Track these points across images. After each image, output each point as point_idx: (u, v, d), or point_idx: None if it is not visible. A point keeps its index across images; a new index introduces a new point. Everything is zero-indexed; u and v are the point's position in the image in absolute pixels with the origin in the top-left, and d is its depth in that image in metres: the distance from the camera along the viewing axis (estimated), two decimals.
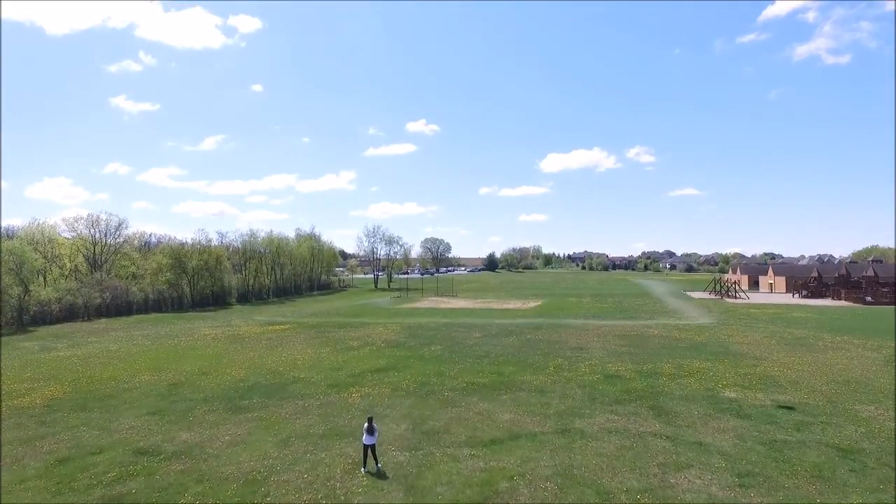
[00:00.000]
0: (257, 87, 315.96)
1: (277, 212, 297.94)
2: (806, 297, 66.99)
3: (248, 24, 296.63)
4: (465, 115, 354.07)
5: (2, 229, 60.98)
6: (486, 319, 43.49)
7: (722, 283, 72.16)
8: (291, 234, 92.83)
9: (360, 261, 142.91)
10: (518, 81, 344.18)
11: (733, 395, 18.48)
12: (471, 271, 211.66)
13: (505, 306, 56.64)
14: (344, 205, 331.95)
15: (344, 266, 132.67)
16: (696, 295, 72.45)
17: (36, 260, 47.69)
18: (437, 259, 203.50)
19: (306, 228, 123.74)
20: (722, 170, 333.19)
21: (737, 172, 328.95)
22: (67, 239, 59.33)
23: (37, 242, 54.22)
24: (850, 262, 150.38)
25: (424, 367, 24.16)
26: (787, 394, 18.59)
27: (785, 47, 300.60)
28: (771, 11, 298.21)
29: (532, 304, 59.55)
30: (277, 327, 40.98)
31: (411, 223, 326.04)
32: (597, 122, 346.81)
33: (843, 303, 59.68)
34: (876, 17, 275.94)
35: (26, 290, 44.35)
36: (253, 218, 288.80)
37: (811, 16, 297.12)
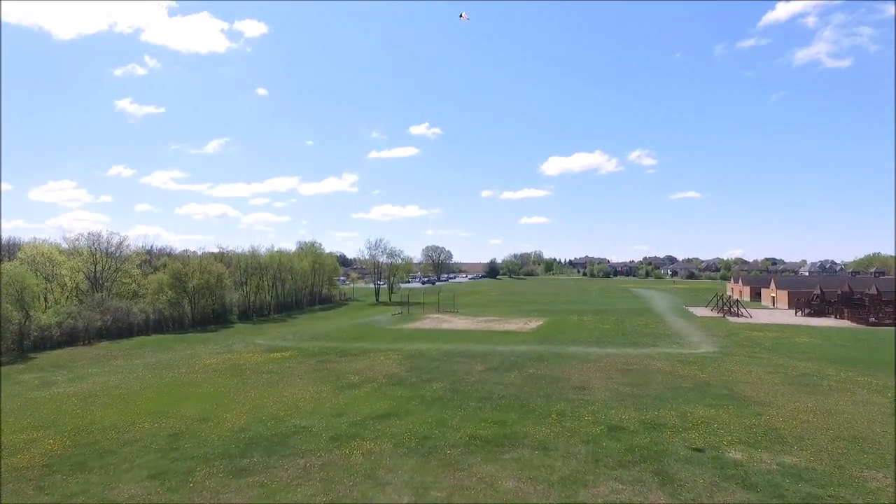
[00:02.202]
0: (262, 91, 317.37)
1: (279, 214, 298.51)
2: (809, 315, 66.73)
3: (254, 28, 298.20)
4: (467, 118, 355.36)
5: (2, 234, 60.88)
6: (487, 346, 43.30)
7: (724, 300, 71.93)
8: (293, 244, 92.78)
9: (361, 271, 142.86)
10: (520, 84, 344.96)
11: (739, 455, 18.27)
12: (472, 278, 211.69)
13: (506, 327, 56.46)
14: (346, 207, 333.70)
15: (345, 278, 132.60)
16: (699, 312, 72.22)
17: (37, 285, 47.60)
18: (438, 266, 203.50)
19: (309, 237, 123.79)
20: (723, 173, 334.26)
21: (738, 175, 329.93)
22: (68, 258, 59.25)
23: (38, 264, 54.17)
24: (853, 272, 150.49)
25: (426, 414, 23.98)
26: (793, 454, 18.38)
27: (785, 52, 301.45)
28: (771, 16, 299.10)
29: (533, 323, 59.37)
30: (278, 354, 40.84)
31: (413, 226, 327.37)
32: (598, 126, 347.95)
33: (846, 323, 59.40)
34: (876, 22, 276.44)
35: (27, 316, 44.23)
36: (255, 220, 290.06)
37: (811, 21, 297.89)
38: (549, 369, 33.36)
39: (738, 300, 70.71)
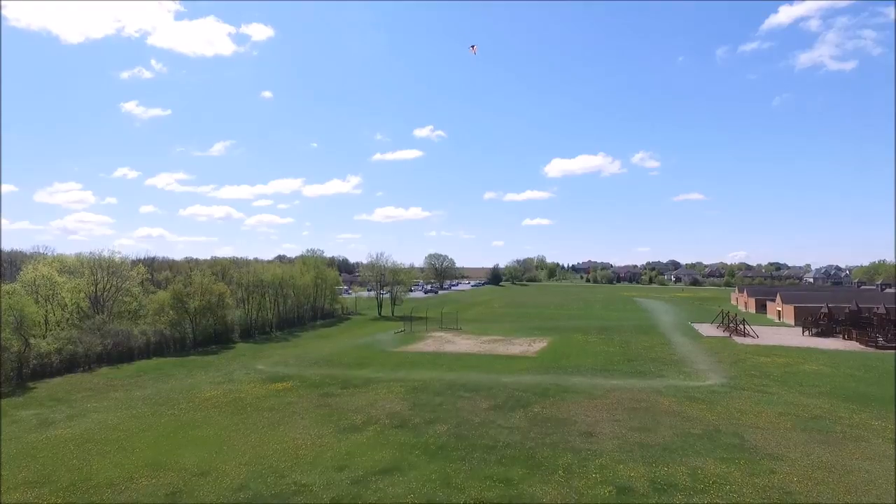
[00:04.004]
0: (267, 94, 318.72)
1: (283, 216, 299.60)
2: (816, 335, 65.95)
3: (260, 32, 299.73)
4: (470, 120, 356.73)
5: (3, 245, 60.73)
6: (491, 375, 42.67)
7: (730, 319, 71.14)
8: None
9: (363, 283, 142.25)
10: (523, 87, 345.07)
11: None
12: (475, 286, 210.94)
13: (510, 350, 55.79)
14: (349, 209, 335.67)
15: (348, 287, 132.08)
16: (704, 330, 71.47)
17: (36, 312, 47.22)
18: (441, 273, 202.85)
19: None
20: (726, 175, 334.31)
21: (741, 177, 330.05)
22: (69, 279, 58.89)
23: (38, 286, 53.80)
24: (858, 283, 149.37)
25: (430, 468, 23.39)
26: None
27: (788, 55, 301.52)
28: (774, 20, 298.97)
29: (537, 345, 58.70)
30: (280, 385, 40.27)
31: (416, 228, 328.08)
32: (601, 128, 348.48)
33: (854, 345, 58.56)
34: (879, 25, 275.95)
35: (26, 344, 43.80)
36: (259, 222, 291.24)
37: (813, 24, 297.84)
38: (555, 408, 32.71)
39: (744, 319, 69.88)
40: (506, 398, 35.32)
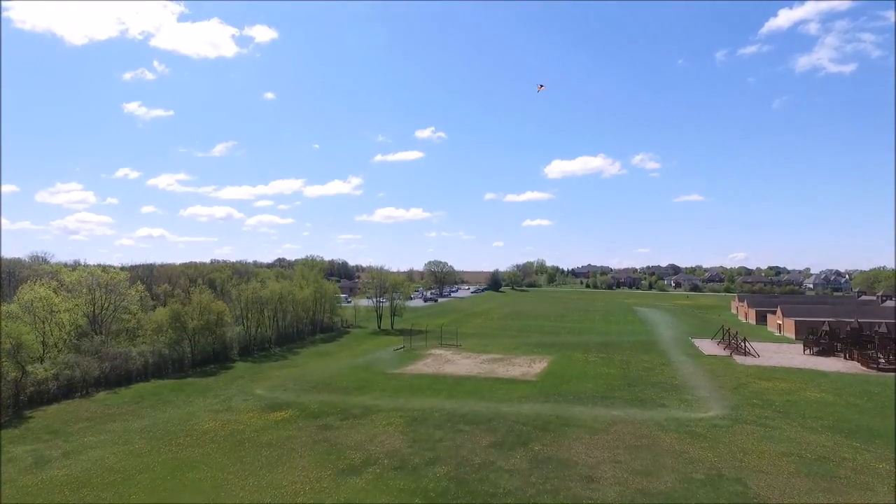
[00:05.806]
0: (269, 95, 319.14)
1: (283, 216, 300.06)
2: (817, 353, 65.77)
3: (264, 33, 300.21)
4: (471, 122, 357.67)
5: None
6: (491, 404, 42.38)
7: (730, 335, 70.93)
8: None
9: (363, 292, 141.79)
10: (524, 88, 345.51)
11: None
12: (474, 291, 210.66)
13: (510, 372, 55.41)
14: (350, 210, 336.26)
15: (347, 294, 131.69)
16: (705, 347, 71.26)
17: (35, 340, 46.88)
18: (441, 278, 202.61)
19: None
20: (726, 176, 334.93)
21: (741, 179, 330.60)
22: (66, 298, 58.48)
23: (35, 308, 53.36)
24: (858, 293, 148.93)
25: None
26: None
27: (787, 58, 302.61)
28: (773, 23, 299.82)
29: (538, 366, 58.38)
30: (278, 415, 39.99)
31: (416, 228, 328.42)
32: (601, 130, 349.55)
33: (855, 367, 58.30)
34: (878, 28, 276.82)
35: (24, 372, 43.45)
36: (259, 222, 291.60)
37: (812, 27, 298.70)
38: (556, 446, 32.40)
39: (744, 338, 69.61)
40: (506, 433, 35.02)
